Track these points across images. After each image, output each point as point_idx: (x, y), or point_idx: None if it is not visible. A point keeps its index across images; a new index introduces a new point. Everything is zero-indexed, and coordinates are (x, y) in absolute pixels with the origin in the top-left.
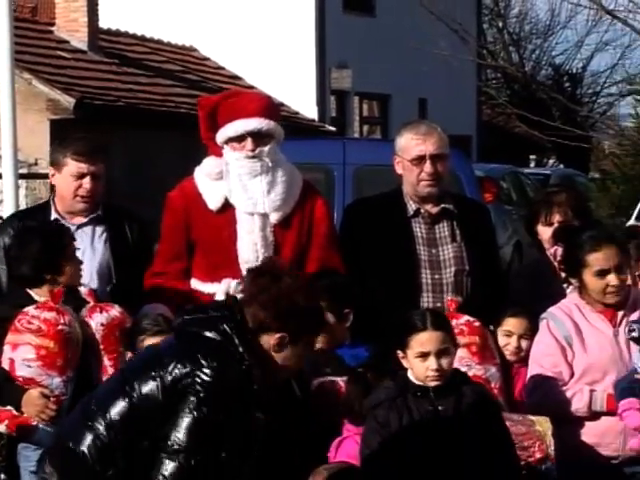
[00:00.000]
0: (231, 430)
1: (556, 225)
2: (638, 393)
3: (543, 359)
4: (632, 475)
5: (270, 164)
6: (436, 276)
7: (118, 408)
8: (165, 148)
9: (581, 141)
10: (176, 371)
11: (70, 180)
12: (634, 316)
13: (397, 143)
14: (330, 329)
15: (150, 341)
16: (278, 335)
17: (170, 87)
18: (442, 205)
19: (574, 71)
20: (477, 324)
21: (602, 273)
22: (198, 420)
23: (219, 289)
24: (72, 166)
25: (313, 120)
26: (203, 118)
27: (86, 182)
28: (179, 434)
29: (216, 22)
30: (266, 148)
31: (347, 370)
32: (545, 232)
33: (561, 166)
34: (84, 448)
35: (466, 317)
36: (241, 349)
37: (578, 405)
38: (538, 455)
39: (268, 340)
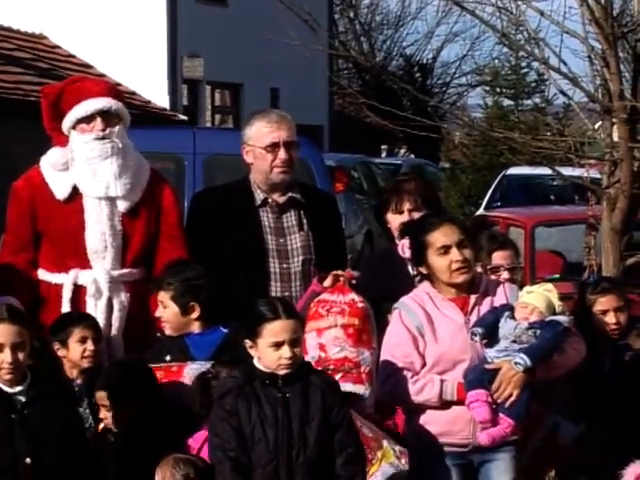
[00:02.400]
0: None
1: (406, 213)
2: (487, 384)
3: (395, 349)
4: (481, 463)
5: (120, 145)
6: (284, 265)
7: None
8: (15, 137)
9: (431, 131)
10: None
11: None
12: (483, 307)
13: (247, 132)
14: (175, 320)
15: None
16: None
17: (20, 75)
18: (289, 194)
19: (424, 62)
20: (360, 305)
21: (444, 250)
22: None
23: (67, 279)
24: None
25: (165, 109)
26: (47, 107)
27: None
28: None
29: (67, 9)
30: (116, 129)
31: (188, 358)
32: (395, 220)
33: (412, 156)
34: None
35: (352, 295)
36: None
37: (429, 395)
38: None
39: None
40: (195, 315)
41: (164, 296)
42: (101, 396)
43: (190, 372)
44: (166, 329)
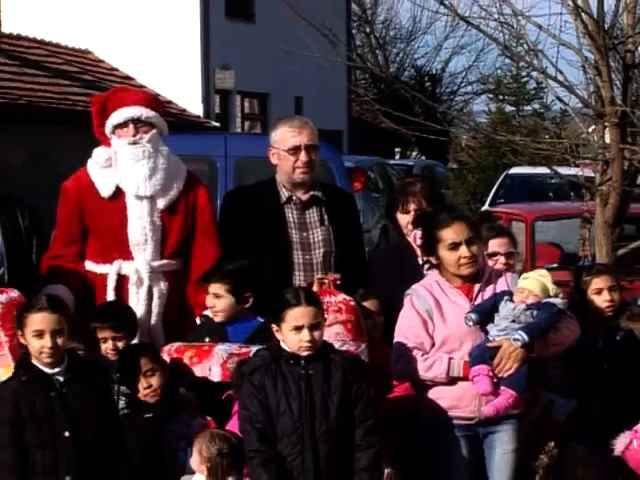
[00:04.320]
0: None
1: (412, 212)
2: (488, 360)
3: (407, 331)
4: (486, 434)
5: (151, 150)
6: (307, 257)
7: None
8: (62, 142)
9: (440, 135)
10: None
11: None
12: (486, 293)
13: (273, 136)
14: (230, 309)
15: (31, 318)
16: None
17: (67, 87)
18: (312, 192)
19: (434, 72)
20: (352, 303)
21: (454, 246)
22: None
23: (111, 270)
24: None
25: (199, 117)
26: (95, 114)
27: None
28: None
29: (110, 27)
30: (147, 135)
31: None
32: (403, 219)
33: (423, 158)
34: None
35: (342, 295)
36: None
37: (438, 372)
38: None
39: None
40: (248, 305)
41: (219, 288)
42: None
43: (219, 352)
44: (217, 317)
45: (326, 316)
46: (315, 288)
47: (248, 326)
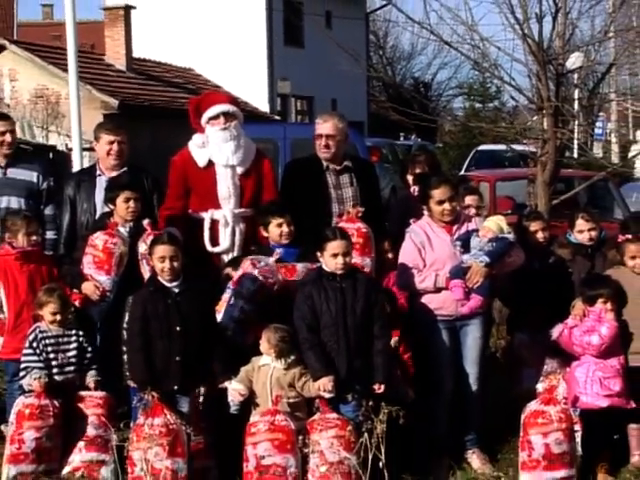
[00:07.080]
0: None
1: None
2: (462, 276)
3: (407, 256)
4: (461, 327)
5: (235, 134)
6: (341, 207)
7: None
8: (174, 132)
9: (431, 123)
10: None
11: (104, 146)
12: (462, 231)
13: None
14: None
15: (157, 248)
16: None
17: (177, 93)
18: (344, 163)
19: (426, 81)
20: (364, 230)
21: (440, 202)
22: None
23: (207, 216)
24: (104, 137)
25: (266, 112)
26: (191, 111)
27: (114, 146)
28: None
29: (205, 52)
30: (233, 123)
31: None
32: (410, 179)
33: (419, 140)
34: None
35: (358, 224)
36: None
37: (428, 283)
38: None
39: None
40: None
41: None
42: None
43: (300, 268)
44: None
45: None
46: (344, 217)
47: (295, 251)
